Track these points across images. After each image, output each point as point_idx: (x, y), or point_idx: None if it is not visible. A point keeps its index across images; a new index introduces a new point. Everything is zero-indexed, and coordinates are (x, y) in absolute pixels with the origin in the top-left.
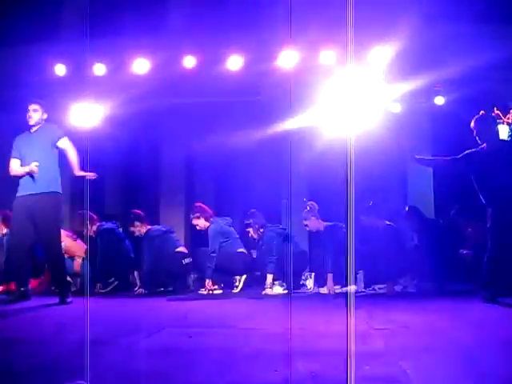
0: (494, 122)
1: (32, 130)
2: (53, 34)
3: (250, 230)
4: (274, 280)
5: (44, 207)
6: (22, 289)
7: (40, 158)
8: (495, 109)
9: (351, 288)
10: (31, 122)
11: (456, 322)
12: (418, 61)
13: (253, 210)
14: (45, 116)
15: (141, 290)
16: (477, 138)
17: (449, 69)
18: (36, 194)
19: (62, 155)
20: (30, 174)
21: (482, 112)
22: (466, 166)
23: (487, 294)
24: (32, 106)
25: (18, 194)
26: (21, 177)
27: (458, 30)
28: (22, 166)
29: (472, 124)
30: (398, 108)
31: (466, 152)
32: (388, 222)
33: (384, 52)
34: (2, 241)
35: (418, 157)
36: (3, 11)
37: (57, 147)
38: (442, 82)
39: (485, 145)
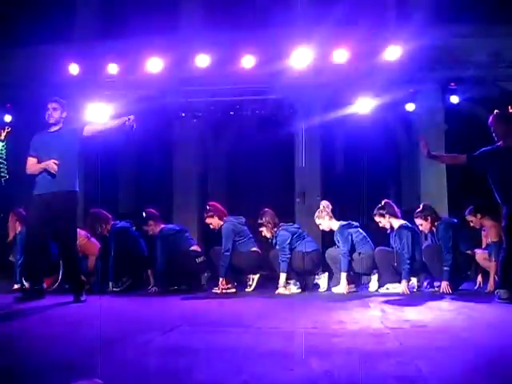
0: (511, 119)
1: (51, 129)
2: (67, 35)
3: (264, 229)
4: (287, 279)
5: (61, 205)
6: (37, 287)
7: (59, 156)
8: (510, 107)
9: (371, 286)
10: (51, 121)
11: (471, 321)
12: (431, 60)
13: (266, 209)
14: (64, 114)
15: (154, 288)
16: (493, 135)
17: (463, 68)
18: (54, 192)
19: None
20: (48, 172)
21: (497, 110)
22: (482, 163)
23: (503, 293)
24: (52, 105)
25: (35, 192)
26: (37, 175)
27: (470, 28)
28: (40, 162)
29: (490, 121)
30: (412, 106)
31: (482, 149)
32: (403, 221)
33: (398, 51)
34: (15, 239)
35: (433, 153)
36: (18, 12)
37: (84, 137)
38: (456, 80)
39: (501, 142)
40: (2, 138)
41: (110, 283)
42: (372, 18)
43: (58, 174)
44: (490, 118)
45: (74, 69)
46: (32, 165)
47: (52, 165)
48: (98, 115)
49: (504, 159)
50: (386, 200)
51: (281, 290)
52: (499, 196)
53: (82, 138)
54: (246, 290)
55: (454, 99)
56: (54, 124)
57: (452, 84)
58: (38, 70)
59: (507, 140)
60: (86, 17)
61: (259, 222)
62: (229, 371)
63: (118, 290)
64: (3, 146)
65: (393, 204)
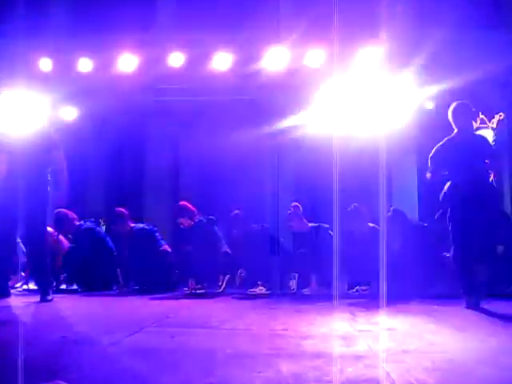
0: (470, 113)
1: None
2: (38, 29)
3: (235, 231)
4: (257, 281)
5: (31, 201)
6: (2, 285)
7: (31, 154)
8: (480, 113)
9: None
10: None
11: (439, 324)
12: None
13: (236, 211)
14: None
15: (122, 288)
16: (453, 125)
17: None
18: (25, 192)
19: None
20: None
21: (459, 101)
22: (443, 158)
23: (468, 300)
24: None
25: (2, 187)
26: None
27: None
28: (9, 161)
29: (449, 112)
30: (431, 105)
31: (439, 146)
32: (372, 225)
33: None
34: None
35: None
36: None
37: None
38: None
39: (456, 132)
40: None
41: (78, 283)
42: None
43: (29, 172)
44: (450, 108)
45: (45, 64)
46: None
47: None
48: (68, 113)
49: (457, 149)
50: (354, 204)
51: (250, 291)
52: (448, 189)
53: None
54: (216, 290)
55: (429, 105)
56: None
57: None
58: (8, 66)
59: (464, 130)
60: (58, 11)
61: (230, 222)
62: (196, 373)
63: (85, 289)
64: None
65: (362, 207)
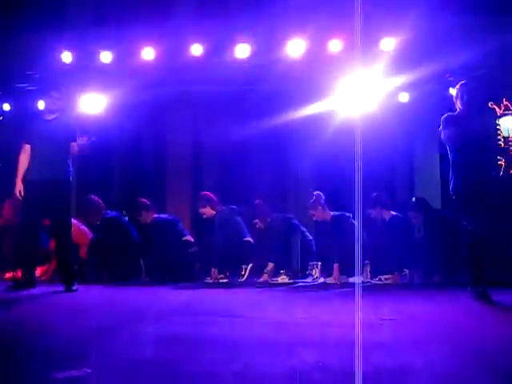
0: (476, 91)
1: (48, 117)
2: (59, 23)
3: (257, 220)
4: (280, 269)
5: (54, 194)
6: (28, 276)
7: (54, 144)
8: (504, 99)
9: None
10: (52, 109)
11: (465, 312)
12: (426, 50)
13: (257, 201)
14: (62, 104)
15: (146, 278)
16: (457, 102)
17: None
18: (47, 180)
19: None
20: (43, 161)
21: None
22: (444, 130)
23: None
24: (55, 93)
25: (28, 179)
26: (30, 161)
27: (466, 20)
28: (33, 151)
29: (455, 89)
30: (406, 97)
31: (444, 116)
32: (394, 213)
33: (392, 41)
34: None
35: None
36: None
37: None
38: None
39: (461, 109)
40: None
41: (104, 272)
42: (367, 7)
43: (52, 162)
44: (457, 86)
45: (66, 57)
46: (25, 155)
47: (18, 193)
48: (92, 105)
49: (462, 125)
50: (376, 192)
51: (265, 278)
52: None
53: (78, 130)
54: (239, 280)
55: (451, 91)
56: (52, 112)
57: (447, 75)
58: (30, 59)
59: (470, 108)
60: (78, 4)
61: (252, 213)
62: (220, 361)
63: (111, 279)
64: None
65: (384, 196)
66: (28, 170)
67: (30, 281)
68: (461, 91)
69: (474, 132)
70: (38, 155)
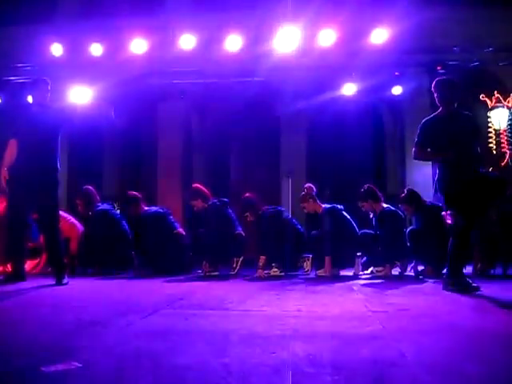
0: (454, 87)
1: (36, 109)
2: (48, 15)
3: (248, 214)
4: (271, 262)
5: (42, 183)
6: (17, 269)
7: (42, 136)
8: (495, 92)
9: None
10: (45, 101)
11: (454, 305)
12: (417, 43)
13: (248, 194)
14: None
15: (137, 271)
16: (436, 101)
17: (448, 52)
18: (35, 171)
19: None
20: (30, 151)
21: (442, 77)
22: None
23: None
24: (48, 86)
25: (15, 170)
26: (16, 154)
27: (457, 13)
28: (21, 143)
29: (433, 86)
30: (399, 90)
31: (425, 123)
32: (386, 205)
33: (384, 33)
34: None
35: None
36: None
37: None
38: (442, 64)
39: (441, 109)
40: None
41: (94, 265)
42: None
43: (40, 153)
44: (434, 83)
45: (56, 49)
46: (10, 151)
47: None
48: (82, 97)
49: (441, 127)
50: (368, 184)
51: (260, 273)
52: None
53: (67, 119)
54: (230, 272)
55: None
56: (41, 104)
57: (439, 68)
58: (20, 52)
59: (449, 106)
60: None
61: (243, 206)
62: (211, 354)
63: (101, 272)
64: None
65: (375, 188)
66: (15, 161)
67: (19, 274)
68: (435, 90)
69: (456, 130)
70: (25, 147)
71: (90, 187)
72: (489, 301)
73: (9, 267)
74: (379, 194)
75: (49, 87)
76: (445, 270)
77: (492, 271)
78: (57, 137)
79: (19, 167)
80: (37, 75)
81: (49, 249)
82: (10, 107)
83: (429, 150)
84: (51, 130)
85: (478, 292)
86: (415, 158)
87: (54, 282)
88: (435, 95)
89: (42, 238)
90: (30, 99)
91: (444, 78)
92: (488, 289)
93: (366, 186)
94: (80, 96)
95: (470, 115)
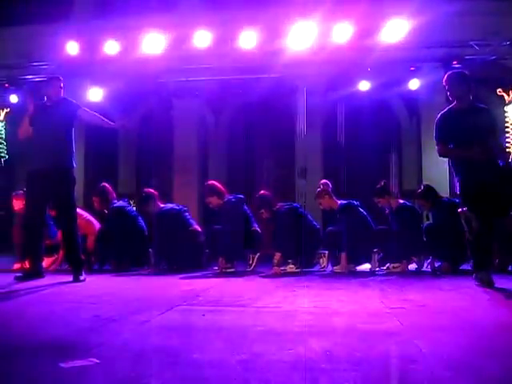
0: (465, 80)
1: (51, 105)
2: (65, 14)
3: (263, 211)
4: (287, 259)
5: (59, 182)
6: (35, 266)
7: (56, 132)
8: (499, 90)
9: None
10: (58, 97)
11: (471, 301)
12: (433, 37)
13: (263, 191)
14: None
15: (154, 267)
16: (448, 95)
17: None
18: (51, 168)
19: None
20: (43, 148)
21: (453, 71)
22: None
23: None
24: (61, 83)
25: (31, 168)
26: (33, 151)
27: (474, 6)
28: (35, 137)
29: (444, 80)
30: (416, 84)
31: (442, 118)
32: (402, 201)
33: (400, 28)
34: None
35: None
36: None
37: (77, 116)
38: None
39: (455, 102)
40: (1, 118)
41: (112, 262)
42: None
43: (56, 150)
44: (445, 77)
45: (72, 48)
46: (27, 126)
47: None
48: (98, 95)
49: (455, 120)
50: (384, 180)
51: (276, 270)
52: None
53: (78, 117)
54: (246, 269)
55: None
56: (56, 101)
57: (455, 62)
58: (36, 50)
59: (462, 100)
60: None
61: (258, 204)
62: (227, 351)
63: (118, 269)
64: (2, 126)
65: (391, 184)
66: (31, 158)
67: (36, 271)
68: (446, 84)
69: (472, 124)
70: (40, 143)
71: (106, 184)
72: (507, 297)
73: (27, 264)
74: (395, 189)
75: (61, 84)
76: (448, 265)
77: (511, 267)
78: (70, 133)
79: (36, 165)
80: (52, 74)
81: (66, 246)
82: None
83: (451, 146)
84: (64, 126)
85: (496, 288)
86: (441, 156)
87: (71, 279)
88: (447, 89)
89: (59, 235)
90: (54, 95)
91: (455, 71)
92: (506, 284)
93: (382, 182)
94: (96, 94)
95: (487, 108)
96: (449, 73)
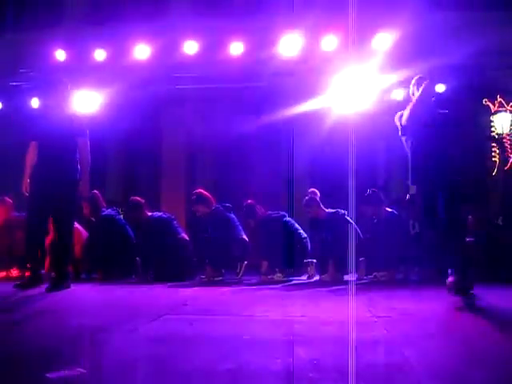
0: (420, 82)
1: (51, 114)
2: (53, 21)
3: (250, 220)
4: (274, 267)
5: (62, 192)
6: (35, 273)
7: (60, 141)
8: (498, 96)
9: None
10: (58, 104)
11: (458, 310)
12: (420, 47)
13: (249, 201)
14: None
15: (141, 276)
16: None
17: (451, 56)
18: (55, 177)
19: None
20: (48, 158)
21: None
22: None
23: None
24: (62, 87)
25: (34, 177)
26: (37, 160)
27: (460, 16)
28: (38, 147)
29: (411, 86)
30: (400, 95)
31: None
32: (389, 210)
33: (387, 37)
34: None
35: None
36: None
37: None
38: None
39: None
40: None
41: (99, 271)
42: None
43: (61, 160)
44: (412, 82)
45: (60, 55)
46: (32, 153)
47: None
48: (86, 103)
49: (421, 134)
50: (372, 189)
51: (264, 278)
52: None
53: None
54: (234, 277)
55: (440, 87)
56: (56, 108)
57: (439, 72)
58: (25, 57)
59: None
60: (72, 2)
61: (245, 214)
62: (214, 359)
63: (105, 278)
64: None
65: (379, 193)
66: (34, 167)
67: (37, 278)
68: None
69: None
70: (44, 153)
71: (96, 192)
72: (493, 306)
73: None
74: (382, 198)
75: (68, 87)
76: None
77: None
78: (75, 143)
79: (39, 174)
80: (47, 79)
81: (55, 253)
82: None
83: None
84: (69, 136)
85: (482, 298)
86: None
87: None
88: (411, 92)
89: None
90: (34, 104)
91: (419, 75)
92: (493, 294)
93: (369, 191)
94: (85, 102)
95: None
96: (415, 77)
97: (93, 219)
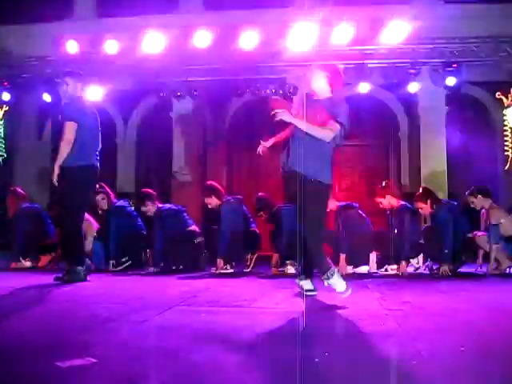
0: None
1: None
2: (65, 12)
3: (262, 213)
4: (286, 260)
5: (87, 180)
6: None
7: (89, 131)
8: (498, 93)
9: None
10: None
11: (470, 303)
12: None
13: (261, 194)
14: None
15: (152, 268)
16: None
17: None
18: (81, 166)
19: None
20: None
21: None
22: None
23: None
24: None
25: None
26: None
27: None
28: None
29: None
30: (415, 87)
31: None
32: (403, 202)
33: (400, 30)
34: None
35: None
36: None
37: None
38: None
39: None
40: (0, 116)
41: (110, 262)
42: None
43: (76, 148)
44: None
45: (72, 47)
46: (70, 135)
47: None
48: (97, 95)
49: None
50: (388, 179)
51: (274, 271)
52: None
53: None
54: (244, 270)
55: (452, 81)
56: (76, 100)
57: (454, 65)
58: (37, 49)
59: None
60: None
61: (257, 207)
62: (225, 351)
63: (117, 269)
64: (0, 124)
65: (394, 184)
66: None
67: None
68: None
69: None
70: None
71: (102, 184)
72: (505, 299)
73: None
74: (397, 190)
75: (82, 81)
76: (446, 267)
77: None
78: (98, 134)
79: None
80: (53, 73)
81: (66, 244)
82: (24, 106)
83: None
84: (95, 127)
85: (494, 290)
86: None
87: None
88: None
89: (56, 234)
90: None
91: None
92: (504, 287)
93: (384, 182)
94: (95, 93)
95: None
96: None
97: (100, 212)
